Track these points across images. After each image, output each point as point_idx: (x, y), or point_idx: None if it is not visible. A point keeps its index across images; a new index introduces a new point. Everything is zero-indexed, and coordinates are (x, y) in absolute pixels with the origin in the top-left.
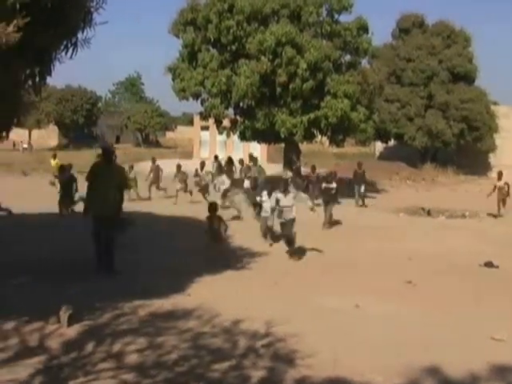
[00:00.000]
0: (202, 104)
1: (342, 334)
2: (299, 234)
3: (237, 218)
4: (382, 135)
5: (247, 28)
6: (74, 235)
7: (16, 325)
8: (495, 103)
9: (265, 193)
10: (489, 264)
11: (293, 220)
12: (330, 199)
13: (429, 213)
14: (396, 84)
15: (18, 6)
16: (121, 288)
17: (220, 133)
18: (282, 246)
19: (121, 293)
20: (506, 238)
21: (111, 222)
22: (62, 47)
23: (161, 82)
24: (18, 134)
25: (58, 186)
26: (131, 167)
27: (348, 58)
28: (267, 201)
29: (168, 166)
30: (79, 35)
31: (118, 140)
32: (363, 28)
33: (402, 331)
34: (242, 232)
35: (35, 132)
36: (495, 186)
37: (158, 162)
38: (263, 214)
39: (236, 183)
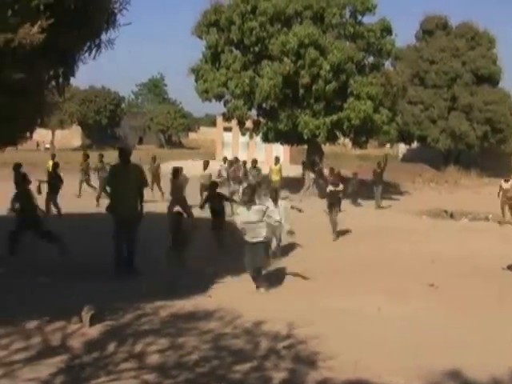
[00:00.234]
0: (224, 105)
1: (363, 336)
2: (316, 236)
3: None
4: (405, 137)
5: (270, 29)
6: (97, 235)
7: (38, 324)
8: None
9: (270, 201)
10: None
11: (262, 243)
12: (335, 203)
13: (452, 215)
14: (419, 86)
15: (42, 7)
16: (142, 288)
17: (243, 134)
18: (302, 247)
19: (142, 293)
20: None
21: (132, 223)
22: (86, 48)
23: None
24: (41, 135)
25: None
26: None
27: (371, 59)
28: (274, 210)
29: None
30: (103, 36)
31: (141, 141)
32: (386, 29)
33: (424, 334)
34: None
35: (58, 132)
36: (500, 188)
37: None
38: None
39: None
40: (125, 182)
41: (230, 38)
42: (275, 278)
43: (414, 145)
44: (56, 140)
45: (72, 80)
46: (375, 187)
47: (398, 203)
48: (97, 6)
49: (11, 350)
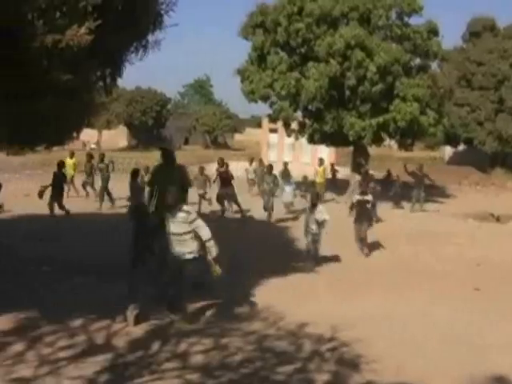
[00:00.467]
0: (270, 106)
1: (406, 339)
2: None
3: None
4: (452, 139)
5: (316, 31)
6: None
7: (83, 322)
8: None
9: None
10: None
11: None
12: (363, 216)
13: (498, 219)
14: (466, 88)
15: (89, 8)
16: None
17: (288, 135)
18: (347, 251)
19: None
20: None
21: None
22: (132, 49)
23: (230, 84)
24: (88, 135)
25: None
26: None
27: (418, 61)
28: (321, 212)
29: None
30: (149, 37)
31: (186, 142)
32: (433, 31)
33: (468, 338)
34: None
35: (105, 133)
36: None
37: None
38: (309, 229)
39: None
40: (166, 183)
41: (275, 39)
42: (317, 280)
43: (461, 147)
44: (102, 140)
45: (119, 81)
46: (415, 190)
47: (443, 206)
48: (144, 8)
49: (56, 348)
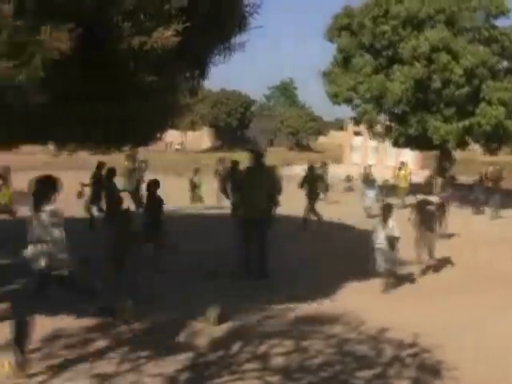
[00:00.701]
0: (353, 109)
1: (489, 348)
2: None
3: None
4: None
5: (402, 33)
6: (226, 236)
7: (166, 321)
8: None
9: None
10: None
11: None
12: (428, 223)
13: None
14: None
15: (176, 11)
16: (268, 290)
17: (373, 138)
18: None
19: (268, 295)
20: None
21: (260, 225)
22: (217, 51)
23: (314, 86)
24: (172, 136)
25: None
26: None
27: (505, 64)
28: (393, 228)
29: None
30: (234, 39)
31: (271, 143)
32: None
33: None
34: None
35: (189, 134)
36: None
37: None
38: (378, 245)
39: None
40: (255, 184)
41: (361, 41)
42: (401, 286)
43: None
44: (187, 141)
45: (204, 83)
46: (493, 196)
47: None
48: (229, 10)
49: (139, 345)
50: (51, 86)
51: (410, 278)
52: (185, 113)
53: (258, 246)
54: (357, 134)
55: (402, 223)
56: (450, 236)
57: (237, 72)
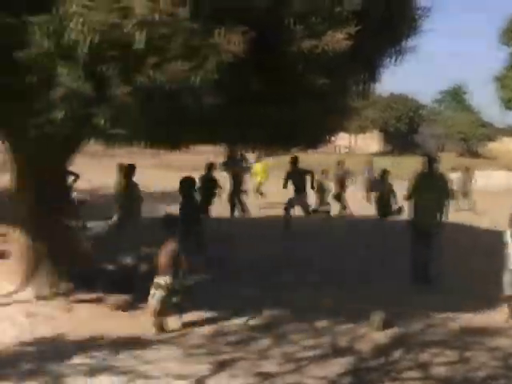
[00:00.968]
0: None
1: None
2: None
3: None
4: None
5: None
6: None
7: (329, 324)
8: None
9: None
10: None
11: None
12: None
13: None
14: None
15: (347, 14)
16: (430, 297)
17: None
18: None
19: (430, 302)
20: None
21: (432, 234)
22: (388, 54)
23: (484, 91)
24: (341, 139)
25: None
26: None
27: None
28: None
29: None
30: (404, 43)
31: (442, 148)
32: None
33: None
34: None
35: (359, 137)
36: None
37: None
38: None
39: None
40: (429, 192)
41: None
42: None
43: None
44: (356, 144)
45: (374, 87)
46: None
47: None
48: (400, 13)
49: (301, 347)
50: (224, 88)
51: None
52: (354, 116)
53: (426, 251)
54: None
55: None
56: None
57: (406, 76)
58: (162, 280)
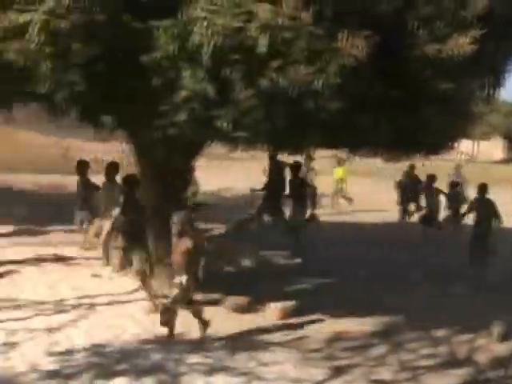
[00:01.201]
0: None
1: None
2: None
3: None
4: None
5: None
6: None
7: (447, 333)
8: None
9: None
10: None
11: None
12: None
13: None
14: None
15: (472, 18)
16: None
17: None
18: None
19: None
20: None
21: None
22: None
23: None
24: (463, 145)
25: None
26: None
27: None
28: None
29: None
30: None
31: None
32: None
33: None
34: None
35: (482, 144)
36: None
37: None
38: None
39: None
40: None
41: None
42: None
43: None
44: (478, 152)
45: (499, 93)
46: None
47: None
48: None
49: (418, 355)
50: (347, 92)
51: None
52: (476, 122)
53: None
54: None
55: None
56: None
57: None
58: (178, 280)
